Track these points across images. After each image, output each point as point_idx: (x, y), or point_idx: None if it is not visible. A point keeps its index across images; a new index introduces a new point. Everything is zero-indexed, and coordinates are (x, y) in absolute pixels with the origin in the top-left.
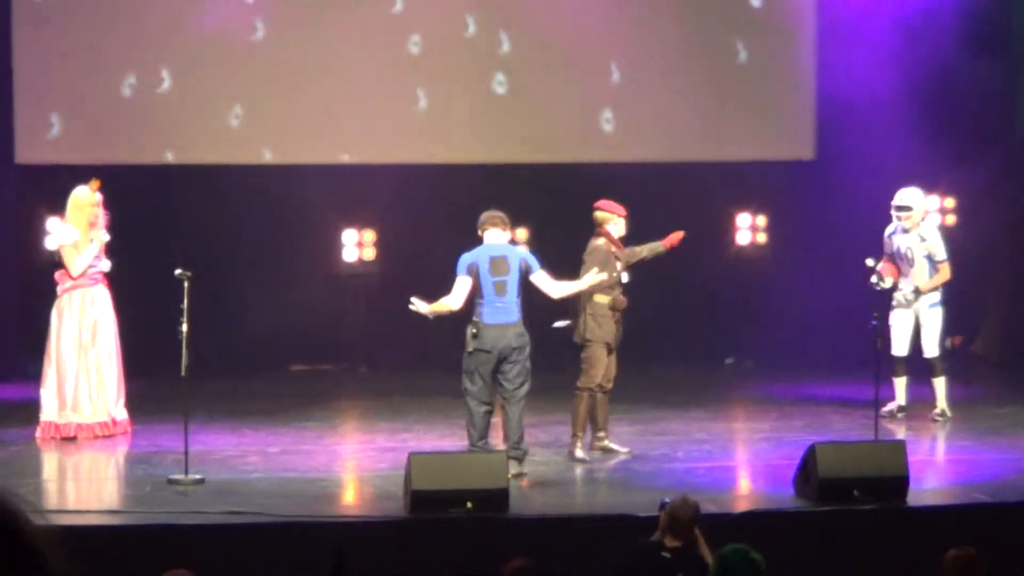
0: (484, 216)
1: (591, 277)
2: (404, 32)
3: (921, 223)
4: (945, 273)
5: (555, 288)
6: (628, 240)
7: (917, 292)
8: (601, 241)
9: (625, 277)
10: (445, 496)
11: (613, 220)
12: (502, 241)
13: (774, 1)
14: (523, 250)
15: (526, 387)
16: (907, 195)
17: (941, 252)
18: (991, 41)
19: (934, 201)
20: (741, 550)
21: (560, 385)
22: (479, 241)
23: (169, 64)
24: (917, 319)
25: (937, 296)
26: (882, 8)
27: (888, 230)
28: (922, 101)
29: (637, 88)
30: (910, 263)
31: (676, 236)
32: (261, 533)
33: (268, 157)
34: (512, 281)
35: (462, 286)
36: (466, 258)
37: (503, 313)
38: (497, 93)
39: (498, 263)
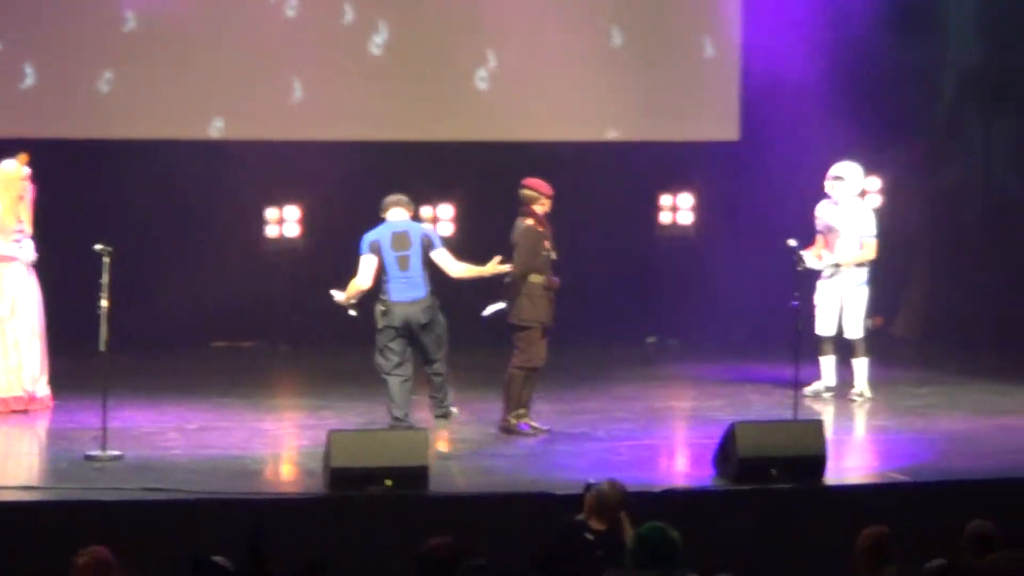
0: (387, 199)
1: (493, 265)
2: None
3: (854, 199)
4: (870, 251)
5: (455, 268)
6: (553, 220)
7: (837, 266)
8: (529, 222)
9: (554, 255)
10: (364, 473)
11: (540, 200)
12: (404, 218)
13: None
14: (426, 226)
15: (443, 350)
16: (843, 167)
17: (870, 228)
18: (916, 22)
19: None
20: (659, 528)
21: (486, 365)
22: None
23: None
24: (841, 299)
25: (863, 276)
26: None
27: (819, 207)
28: (847, 82)
29: (563, 68)
30: (837, 236)
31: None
32: (179, 509)
33: (193, 132)
34: (415, 255)
35: (367, 264)
36: (368, 236)
37: (409, 288)
38: (425, 73)
39: (399, 238)
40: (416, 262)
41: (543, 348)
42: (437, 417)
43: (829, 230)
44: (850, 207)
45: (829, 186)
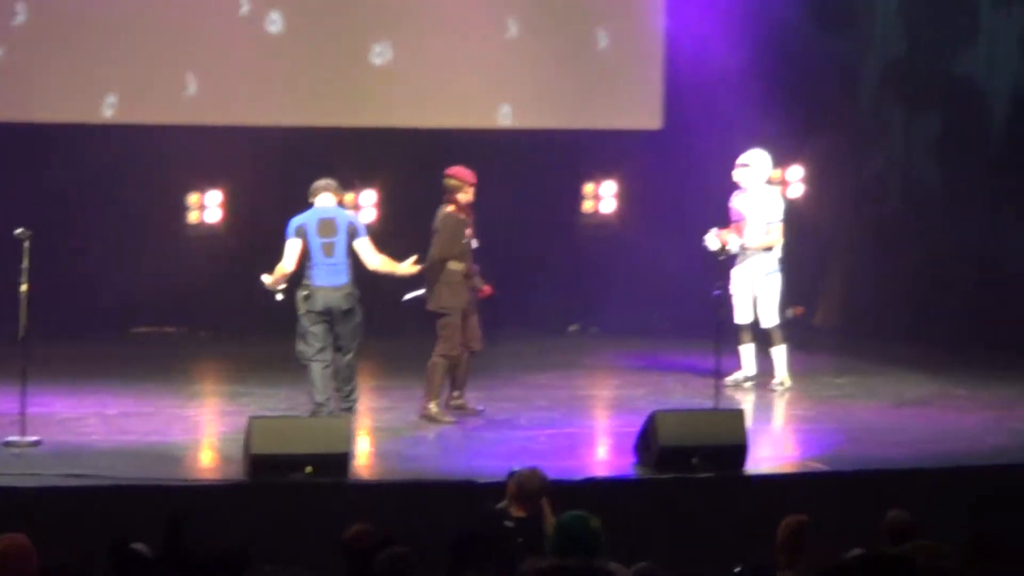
0: (316, 184)
1: (408, 265)
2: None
3: (762, 185)
4: (775, 234)
5: (374, 259)
6: (478, 208)
7: (743, 249)
8: (451, 209)
9: (474, 243)
10: (285, 460)
11: (463, 188)
12: (330, 204)
13: None
14: (351, 214)
15: (356, 342)
16: (749, 154)
17: (776, 214)
18: (839, 14)
19: (777, 171)
20: (580, 517)
21: (406, 352)
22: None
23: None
24: (753, 287)
25: (773, 264)
26: None
27: (732, 198)
28: (771, 73)
29: (484, 55)
30: (745, 221)
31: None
32: (98, 496)
33: (110, 115)
34: (340, 243)
35: (292, 248)
36: (295, 221)
37: (333, 274)
38: (348, 58)
39: (326, 225)
40: (341, 249)
41: (472, 330)
42: (341, 410)
43: (740, 218)
44: (757, 193)
45: (737, 174)
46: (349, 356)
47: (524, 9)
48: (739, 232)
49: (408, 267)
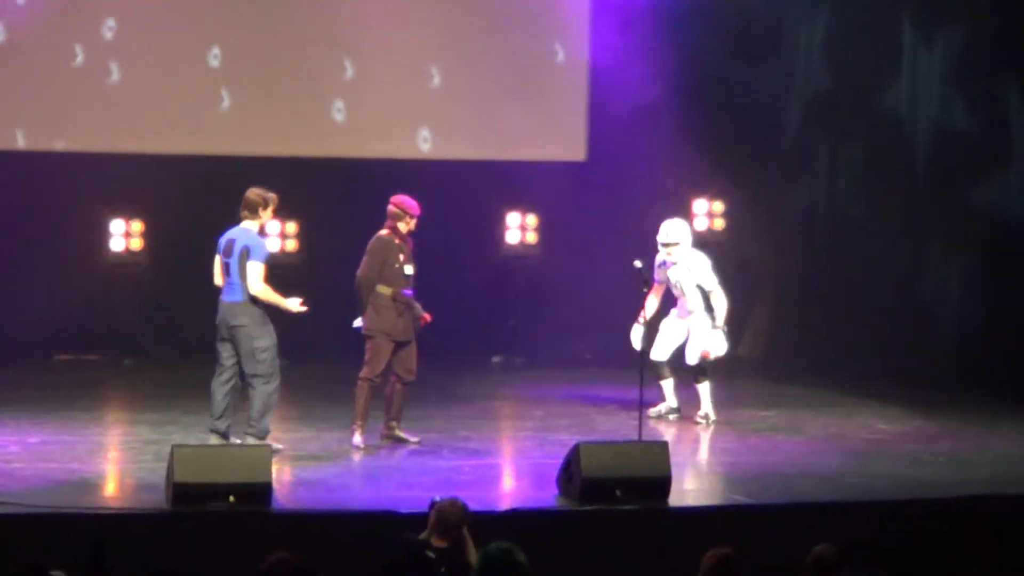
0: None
1: (292, 302)
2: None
3: (687, 253)
4: (722, 299)
5: (255, 285)
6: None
7: (715, 328)
8: (384, 232)
9: (409, 270)
10: (207, 489)
11: (404, 218)
12: (243, 225)
13: (548, 4)
14: (253, 238)
15: (261, 369)
16: (672, 230)
17: (710, 280)
18: (762, 48)
19: (702, 205)
20: (506, 549)
21: (338, 378)
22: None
23: None
24: (689, 331)
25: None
26: (655, 14)
27: (659, 259)
28: (693, 105)
29: (412, 86)
30: (681, 292)
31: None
32: (19, 523)
33: (22, 143)
34: (234, 263)
35: (215, 265)
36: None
37: (229, 292)
38: (269, 87)
39: (228, 245)
40: (234, 270)
41: (405, 359)
42: (246, 434)
43: (672, 286)
44: (686, 263)
45: (664, 252)
46: (255, 384)
47: (446, 45)
48: (657, 295)
49: (291, 305)
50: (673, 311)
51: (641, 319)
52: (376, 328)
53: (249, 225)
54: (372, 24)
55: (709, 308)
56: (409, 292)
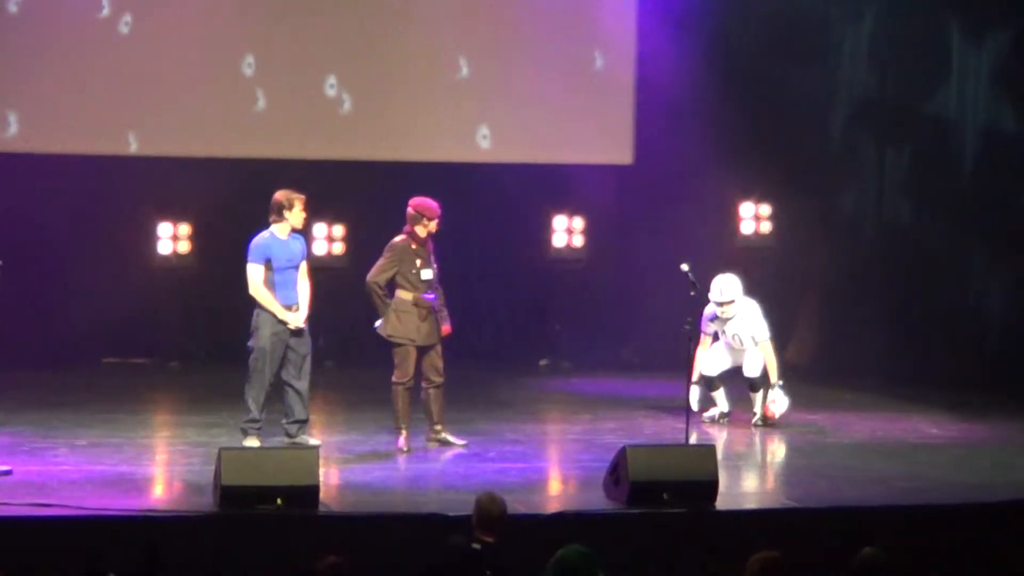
0: None
1: (291, 317)
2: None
3: (741, 306)
4: (771, 353)
5: (249, 286)
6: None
7: (767, 380)
8: (400, 238)
9: (427, 274)
10: (255, 492)
11: (422, 220)
12: (270, 227)
13: (595, 10)
14: (254, 241)
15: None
16: (726, 288)
17: (762, 332)
18: (808, 51)
19: (749, 208)
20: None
21: (381, 383)
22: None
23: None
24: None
25: (764, 335)
26: (701, 18)
27: (708, 312)
28: (739, 110)
29: (461, 89)
30: (741, 348)
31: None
32: (69, 526)
33: (88, 148)
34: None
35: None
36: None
37: None
38: (312, 91)
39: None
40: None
41: (431, 361)
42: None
43: (728, 341)
44: (741, 316)
45: (719, 310)
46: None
47: (491, 50)
48: (705, 348)
49: (286, 317)
50: (722, 340)
51: (694, 376)
52: (400, 334)
53: (275, 227)
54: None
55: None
56: (430, 296)
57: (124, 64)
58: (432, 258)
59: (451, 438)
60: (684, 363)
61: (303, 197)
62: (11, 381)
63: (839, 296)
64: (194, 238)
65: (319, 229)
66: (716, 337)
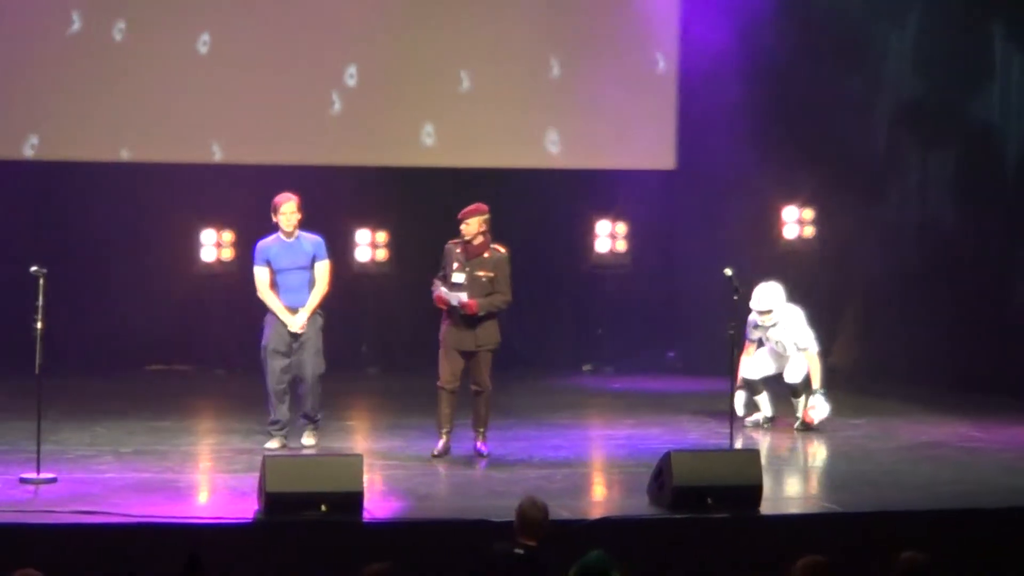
0: None
1: (286, 317)
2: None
3: (782, 313)
4: (815, 360)
5: (257, 288)
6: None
7: (809, 387)
8: (451, 241)
9: (457, 277)
10: (299, 499)
11: (463, 223)
12: None
13: (638, 15)
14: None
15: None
16: (765, 297)
17: (806, 339)
18: (850, 54)
19: (792, 212)
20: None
21: (430, 389)
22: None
23: (31, 55)
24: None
25: (809, 343)
26: (743, 22)
27: (752, 319)
28: (782, 113)
29: (499, 94)
30: (784, 356)
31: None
32: (113, 533)
33: (126, 155)
34: None
35: None
36: None
37: None
38: (365, 96)
39: None
40: None
41: (476, 369)
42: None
43: (772, 348)
44: (783, 323)
45: (760, 320)
46: None
47: (534, 56)
48: (749, 354)
49: (287, 319)
50: (767, 346)
51: (738, 382)
52: (440, 335)
53: (280, 230)
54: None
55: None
56: (462, 301)
57: (204, 78)
58: (481, 261)
59: (477, 445)
60: (727, 367)
61: (291, 199)
62: (56, 389)
63: (883, 300)
64: (237, 245)
65: (362, 235)
66: (761, 343)
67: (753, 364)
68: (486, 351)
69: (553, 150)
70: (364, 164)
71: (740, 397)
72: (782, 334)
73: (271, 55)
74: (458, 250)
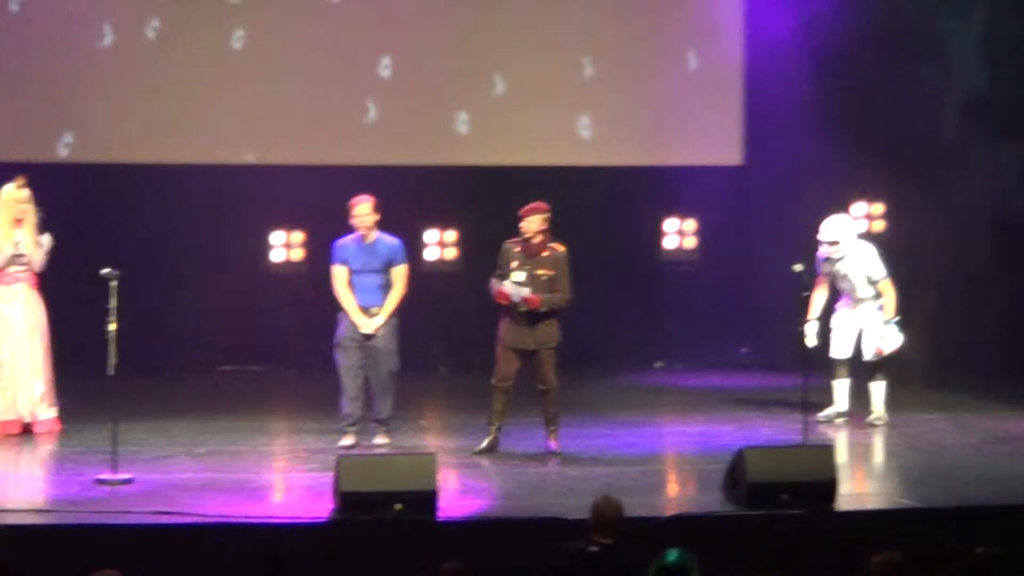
0: None
1: (367, 321)
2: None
3: (852, 246)
4: (890, 290)
5: (334, 287)
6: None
7: (886, 322)
8: (510, 240)
9: (517, 276)
10: (374, 498)
11: (523, 220)
12: None
13: (702, 8)
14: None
15: None
16: (833, 228)
17: (878, 270)
18: (917, 47)
19: (861, 207)
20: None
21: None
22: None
23: (98, 61)
24: (860, 325)
25: (880, 301)
26: (808, 15)
27: (821, 253)
28: (849, 107)
29: (571, 92)
30: (850, 285)
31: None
32: (189, 534)
33: (198, 157)
34: None
35: None
36: None
37: None
38: (422, 97)
39: None
40: None
41: (540, 368)
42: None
43: (839, 278)
44: (853, 257)
45: (827, 251)
46: None
47: (598, 48)
48: (824, 289)
49: (361, 322)
50: (841, 306)
51: (811, 315)
52: (500, 334)
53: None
54: (523, 27)
55: (878, 297)
56: (525, 296)
57: (239, 78)
58: (540, 260)
59: (549, 444)
60: (800, 363)
61: (365, 200)
62: (130, 390)
63: (955, 294)
64: (308, 246)
65: (431, 235)
66: (836, 297)
67: (838, 341)
68: (547, 349)
69: (620, 147)
70: (434, 164)
71: (812, 328)
72: (851, 267)
73: (312, 59)
74: (516, 249)
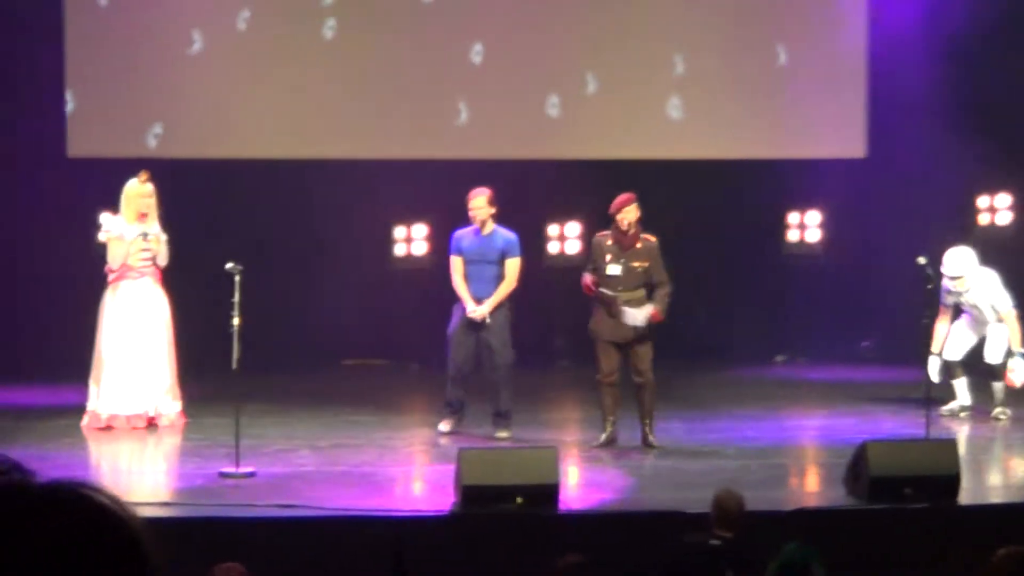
0: None
1: (474, 308)
2: (464, 37)
3: (975, 277)
4: (1014, 323)
5: (452, 276)
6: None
7: (1009, 352)
8: (600, 233)
9: (612, 269)
10: (495, 491)
11: (620, 212)
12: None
13: (825, 0)
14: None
15: None
16: (954, 263)
17: (1005, 303)
18: None
19: (984, 200)
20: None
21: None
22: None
23: (219, 58)
24: (981, 335)
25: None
26: (933, 5)
27: (945, 285)
28: (973, 99)
29: (691, 84)
30: (978, 313)
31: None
32: (312, 527)
33: (322, 152)
34: None
35: None
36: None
37: None
38: (553, 92)
39: None
40: None
41: (636, 359)
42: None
43: (968, 311)
44: (978, 289)
45: (951, 285)
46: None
47: (714, 42)
48: (946, 322)
49: (472, 308)
50: (964, 317)
51: (934, 347)
52: (592, 329)
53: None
54: (614, 22)
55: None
56: (648, 316)
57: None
58: (635, 252)
59: (649, 436)
60: (923, 357)
61: (481, 193)
62: (253, 384)
63: None
64: (430, 239)
65: (552, 229)
66: (957, 314)
67: (953, 343)
68: (643, 341)
69: (742, 140)
70: (559, 158)
71: (935, 363)
72: (977, 298)
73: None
74: (609, 242)
